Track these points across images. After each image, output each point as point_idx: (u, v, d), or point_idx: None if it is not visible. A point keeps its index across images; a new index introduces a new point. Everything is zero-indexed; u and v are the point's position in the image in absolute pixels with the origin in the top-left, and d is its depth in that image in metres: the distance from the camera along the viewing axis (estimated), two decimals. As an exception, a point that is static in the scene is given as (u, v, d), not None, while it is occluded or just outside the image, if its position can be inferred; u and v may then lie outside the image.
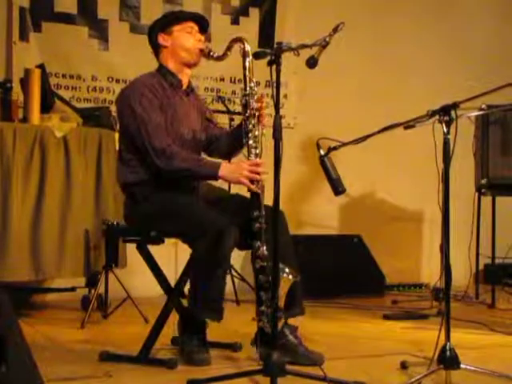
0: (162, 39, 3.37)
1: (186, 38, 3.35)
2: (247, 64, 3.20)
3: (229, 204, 3.30)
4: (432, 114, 2.92)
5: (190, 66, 3.41)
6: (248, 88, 3.19)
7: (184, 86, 3.42)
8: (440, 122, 2.86)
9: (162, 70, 3.38)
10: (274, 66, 2.70)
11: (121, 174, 3.35)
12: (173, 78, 3.37)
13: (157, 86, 3.30)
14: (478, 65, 6.53)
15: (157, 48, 3.41)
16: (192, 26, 3.37)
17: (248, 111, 3.17)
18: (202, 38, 3.40)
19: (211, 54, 3.34)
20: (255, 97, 3.19)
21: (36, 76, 4.32)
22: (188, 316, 3.19)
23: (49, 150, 4.22)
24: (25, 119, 4.31)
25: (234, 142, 3.37)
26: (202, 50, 3.34)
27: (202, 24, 3.43)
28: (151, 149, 3.17)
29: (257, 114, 3.17)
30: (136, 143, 3.23)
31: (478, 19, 6.70)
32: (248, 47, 3.21)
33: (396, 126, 3.15)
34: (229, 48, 3.28)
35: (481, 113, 3.93)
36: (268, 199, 2.80)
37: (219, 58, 3.34)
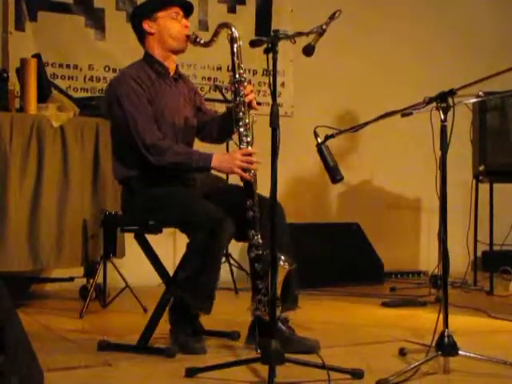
0: (147, 26, 3.30)
1: (171, 24, 3.28)
2: (235, 50, 3.15)
3: (226, 195, 3.28)
4: (429, 100, 2.91)
5: (176, 52, 3.35)
6: (237, 75, 3.14)
7: (171, 73, 3.36)
8: (437, 108, 2.85)
9: (148, 59, 3.32)
10: (270, 54, 2.66)
11: (116, 170, 3.33)
12: (159, 67, 3.31)
13: (144, 78, 3.24)
14: (477, 50, 6.52)
15: (142, 35, 3.35)
16: (177, 12, 3.30)
17: (238, 98, 3.12)
18: (188, 23, 3.33)
19: (198, 40, 3.27)
20: (245, 83, 3.14)
21: (32, 66, 4.31)
22: (182, 305, 3.16)
23: (46, 140, 4.22)
24: (21, 109, 4.29)
25: (225, 128, 3.32)
26: (188, 37, 3.29)
27: (187, 9, 3.35)
28: (142, 145, 3.14)
29: (247, 100, 3.12)
30: (127, 139, 3.20)
31: (478, 5, 6.69)
32: (236, 33, 3.15)
33: (393, 113, 3.13)
34: (216, 34, 3.21)
35: (478, 99, 3.91)
36: (265, 188, 2.79)
37: (206, 45, 3.27)
